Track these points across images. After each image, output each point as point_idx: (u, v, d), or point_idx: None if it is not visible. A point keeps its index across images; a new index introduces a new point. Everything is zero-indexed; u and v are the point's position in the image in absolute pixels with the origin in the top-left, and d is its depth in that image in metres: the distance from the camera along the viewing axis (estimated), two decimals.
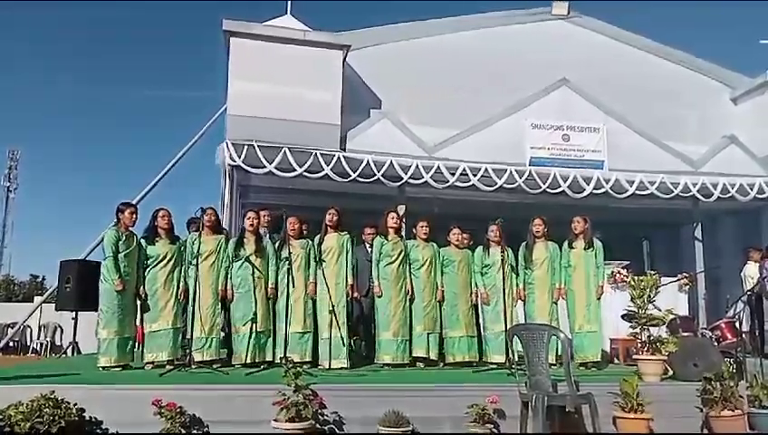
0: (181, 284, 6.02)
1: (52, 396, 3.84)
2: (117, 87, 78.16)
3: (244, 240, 6.20)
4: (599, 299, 6.55)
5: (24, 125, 63.28)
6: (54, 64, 72.65)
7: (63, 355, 9.91)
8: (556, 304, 6.64)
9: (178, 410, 4.08)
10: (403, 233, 6.95)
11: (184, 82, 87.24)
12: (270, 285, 6.16)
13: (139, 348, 6.17)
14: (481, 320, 6.66)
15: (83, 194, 70.37)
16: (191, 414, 4.17)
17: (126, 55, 77.34)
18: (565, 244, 6.69)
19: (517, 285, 6.63)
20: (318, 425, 4.29)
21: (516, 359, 5.39)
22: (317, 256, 6.23)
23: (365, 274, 6.63)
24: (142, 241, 6.00)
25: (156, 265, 5.96)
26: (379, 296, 6.34)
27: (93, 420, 4.04)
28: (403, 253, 6.49)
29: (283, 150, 8.60)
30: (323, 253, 6.26)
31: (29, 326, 14.67)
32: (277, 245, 6.28)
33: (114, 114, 74.38)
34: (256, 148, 8.53)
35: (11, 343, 13.68)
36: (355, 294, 6.52)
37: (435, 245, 6.68)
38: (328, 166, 8.75)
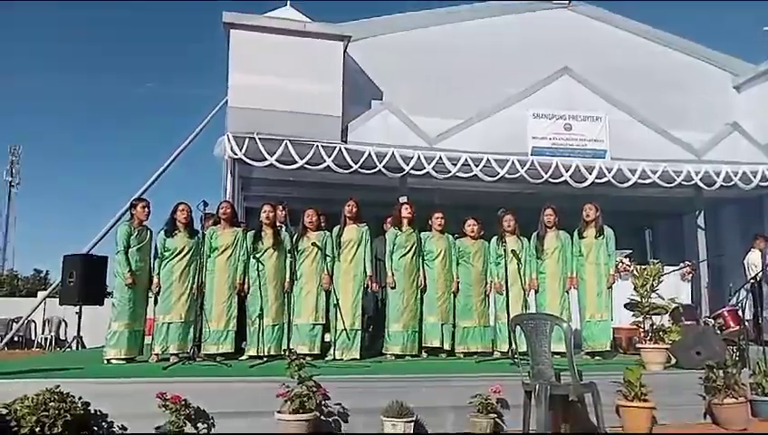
0: (197, 277, 6.02)
1: (58, 390, 3.87)
2: (117, 86, 77.83)
3: (262, 233, 6.23)
4: (610, 288, 6.53)
5: (24, 124, 63.26)
6: (54, 64, 72.39)
7: (68, 349, 9.97)
8: (568, 293, 6.63)
9: (183, 402, 4.10)
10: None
11: (184, 81, 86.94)
12: (286, 278, 6.17)
13: (150, 339, 6.20)
14: (492, 310, 6.67)
15: (86, 189, 70.33)
16: (195, 407, 4.19)
17: (126, 55, 76.98)
18: (575, 232, 6.68)
19: (530, 276, 6.63)
20: (322, 416, 4.31)
21: (523, 349, 5.40)
22: (334, 248, 6.26)
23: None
24: (161, 234, 6.04)
25: (172, 257, 6.00)
26: (393, 287, 6.35)
27: (98, 413, 4.07)
28: (416, 245, 6.50)
29: (284, 143, 8.59)
30: (343, 245, 6.27)
31: (33, 321, 14.78)
32: (295, 237, 6.28)
33: (114, 113, 74.11)
34: (257, 140, 8.52)
35: (15, 338, 13.76)
36: (374, 286, 6.52)
37: (450, 237, 6.70)
38: (329, 158, 8.73)
